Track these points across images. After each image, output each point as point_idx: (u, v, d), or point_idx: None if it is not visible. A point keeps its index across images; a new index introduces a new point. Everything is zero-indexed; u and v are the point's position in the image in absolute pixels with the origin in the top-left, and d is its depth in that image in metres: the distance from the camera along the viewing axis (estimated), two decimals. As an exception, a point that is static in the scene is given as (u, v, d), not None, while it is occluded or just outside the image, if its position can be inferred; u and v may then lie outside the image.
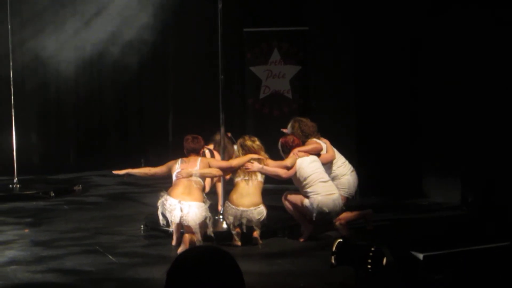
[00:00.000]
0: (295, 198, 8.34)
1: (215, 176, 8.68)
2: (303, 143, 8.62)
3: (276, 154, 8.66)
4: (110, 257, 7.67)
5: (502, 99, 9.77)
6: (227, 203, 8.19)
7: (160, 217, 7.98)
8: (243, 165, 8.25)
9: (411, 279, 5.49)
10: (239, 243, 8.09)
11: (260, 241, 8.13)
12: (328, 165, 8.65)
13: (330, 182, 8.36)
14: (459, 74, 10.17)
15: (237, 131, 10.35)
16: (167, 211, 7.87)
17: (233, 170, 8.35)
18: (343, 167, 8.81)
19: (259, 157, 8.35)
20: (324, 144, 8.76)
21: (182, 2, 12.96)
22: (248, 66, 12.09)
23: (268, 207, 8.28)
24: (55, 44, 13.62)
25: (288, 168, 8.32)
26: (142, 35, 13.31)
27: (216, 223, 8.46)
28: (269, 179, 8.59)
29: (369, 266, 5.50)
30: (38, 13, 13.57)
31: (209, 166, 8.25)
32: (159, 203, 7.96)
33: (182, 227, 7.93)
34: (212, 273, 2.29)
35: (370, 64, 11.27)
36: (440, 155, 10.65)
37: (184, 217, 7.78)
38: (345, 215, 8.51)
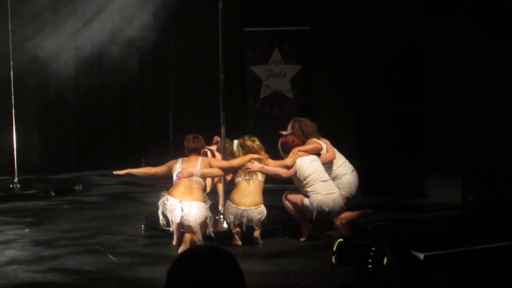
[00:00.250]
0: (295, 197, 8.34)
1: (216, 176, 8.67)
2: (303, 143, 8.62)
3: (277, 153, 8.66)
4: (111, 256, 7.67)
5: (502, 99, 9.77)
6: (228, 202, 8.20)
7: (160, 217, 7.98)
8: (243, 165, 8.25)
9: (411, 279, 5.49)
10: (239, 243, 8.09)
11: (261, 241, 8.13)
12: (328, 164, 8.65)
13: (330, 181, 8.36)
14: (460, 73, 10.17)
15: (238, 131, 10.36)
16: (168, 211, 7.87)
17: (234, 170, 8.35)
18: (344, 167, 8.81)
19: (260, 156, 8.36)
20: (324, 144, 8.76)
21: (182, 2, 12.96)
22: (248, 66, 12.08)
23: (268, 206, 8.29)
24: (56, 43, 13.62)
25: (288, 167, 8.32)
26: (142, 34, 13.30)
27: (216, 223, 8.46)
28: (269, 179, 8.59)
29: (369, 266, 5.51)
30: (38, 12, 13.57)
31: (210, 166, 8.25)
32: (160, 203, 7.96)
33: (183, 227, 7.93)
34: (212, 272, 2.29)
35: (370, 63, 11.26)
36: (441, 155, 10.65)
37: (185, 217, 7.78)
38: (346, 215, 8.52)
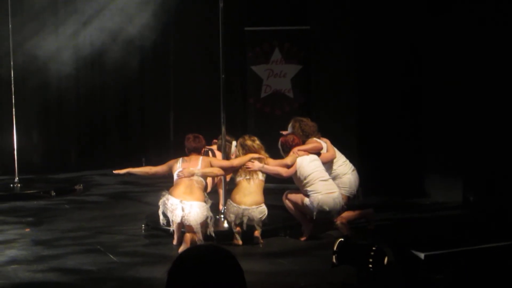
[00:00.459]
0: (295, 197, 8.35)
1: (217, 176, 8.66)
2: (303, 143, 8.62)
3: (277, 153, 8.66)
4: (111, 256, 7.67)
5: (503, 99, 9.77)
6: (229, 201, 8.20)
7: (161, 217, 7.98)
8: (244, 164, 8.26)
9: (412, 278, 5.49)
10: (240, 242, 8.09)
11: (261, 240, 8.12)
12: (329, 164, 8.65)
13: (331, 180, 8.36)
14: (460, 73, 10.17)
15: (238, 130, 10.36)
16: (168, 211, 7.87)
17: (235, 170, 8.36)
18: (344, 166, 8.81)
19: (260, 156, 8.36)
20: (324, 143, 8.76)
21: (183, 1, 12.97)
22: (249, 65, 12.08)
23: (269, 206, 8.29)
24: (56, 43, 13.62)
25: (288, 166, 8.33)
26: (143, 34, 13.31)
27: (217, 222, 8.45)
28: (270, 178, 8.59)
29: (370, 266, 5.50)
30: (38, 12, 13.57)
31: (211, 165, 8.25)
32: (161, 203, 7.96)
33: (183, 227, 7.93)
34: (213, 272, 2.28)
35: (371, 63, 11.27)
36: (441, 154, 10.65)
37: (185, 217, 7.78)
38: (346, 214, 8.52)
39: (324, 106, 11.77)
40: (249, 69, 12.07)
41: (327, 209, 8.13)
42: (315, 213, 8.15)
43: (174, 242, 8.06)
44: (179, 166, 8.17)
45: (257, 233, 8.13)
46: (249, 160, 8.28)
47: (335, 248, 5.87)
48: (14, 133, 12.01)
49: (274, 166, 8.35)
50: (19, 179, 11.90)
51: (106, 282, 6.85)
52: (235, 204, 8.11)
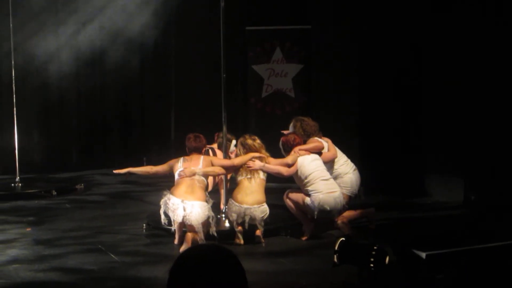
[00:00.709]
0: (296, 196, 8.34)
1: (218, 175, 8.66)
2: (305, 142, 8.62)
3: (278, 152, 8.65)
4: (112, 256, 7.67)
5: (505, 98, 9.76)
6: (231, 201, 8.19)
7: (162, 216, 7.98)
8: (245, 163, 8.25)
9: (413, 278, 5.49)
10: (241, 242, 8.09)
11: (263, 240, 8.12)
12: (330, 163, 8.65)
13: (332, 180, 8.36)
14: (461, 73, 10.16)
15: (239, 130, 10.36)
16: (170, 210, 7.87)
17: (235, 169, 8.35)
18: (346, 166, 8.80)
19: (261, 155, 8.36)
20: (325, 142, 8.75)
21: (183, 1, 12.96)
22: (250, 65, 12.08)
23: (270, 205, 8.28)
24: (56, 43, 13.62)
25: (289, 165, 8.32)
26: (144, 33, 13.31)
27: (218, 221, 8.45)
28: (271, 178, 8.59)
29: (371, 265, 5.50)
30: (39, 12, 13.57)
31: (212, 165, 8.24)
32: (162, 202, 7.96)
33: (185, 226, 7.92)
34: (214, 271, 2.28)
35: (372, 62, 11.27)
36: (442, 154, 10.64)
37: (187, 217, 7.78)
38: (348, 214, 8.51)
39: (325, 106, 11.76)
40: (250, 68, 12.08)
41: (328, 208, 8.12)
42: (316, 213, 8.15)
43: (175, 241, 8.06)
44: (180, 166, 8.16)
45: (258, 232, 8.13)
46: (250, 159, 8.27)
47: (336, 248, 5.87)
48: (15, 133, 12.01)
49: (275, 165, 8.35)
50: (20, 178, 11.91)
51: (107, 282, 6.85)
52: (237, 203, 8.11)
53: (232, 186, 8.61)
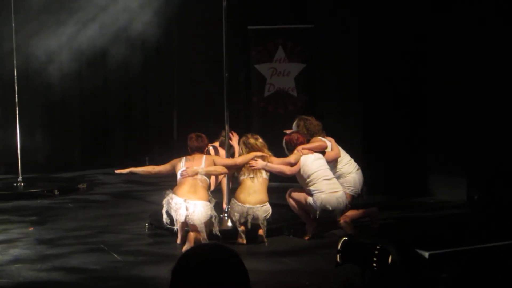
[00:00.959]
0: (299, 195, 8.33)
1: (221, 174, 8.65)
2: (308, 142, 8.61)
3: (281, 151, 8.65)
4: (115, 255, 7.67)
5: (507, 97, 9.75)
6: (233, 201, 8.18)
7: (164, 216, 7.97)
8: (247, 162, 8.24)
9: (416, 277, 5.48)
10: (244, 241, 8.08)
11: (265, 239, 8.12)
12: (333, 163, 8.64)
13: (334, 179, 8.34)
14: (464, 72, 10.14)
15: (242, 129, 10.34)
16: (172, 210, 7.86)
17: (238, 168, 8.34)
18: (349, 165, 8.79)
19: (263, 154, 8.34)
20: (329, 142, 8.74)
21: (186, 0, 12.95)
22: (252, 64, 12.07)
23: (273, 205, 8.27)
24: (59, 42, 13.61)
25: (292, 164, 8.31)
26: (146, 33, 13.29)
27: (221, 221, 8.44)
28: (273, 177, 8.58)
29: (374, 265, 5.49)
30: (41, 11, 13.56)
31: (214, 164, 8.23)
32: (164, 202, 7.95)
33: (187, 226, 7.92)
34: (217, 271, 2.28)
35: (375, 62, 11.25)
36: (446, 153, 10.62)
37: (189, 216, 7.77)
38: (350, 213, 8.51)
39: (327, 105, 11.75)
40: (252, 67, 12.07)
41: (330, 208, 8.11)
42: (318, 212, 8.14)
43: (178, 241, 8.06)
44: (182, 165, 8.15)
45: (261, 232, 8.12)
46: (253, 159, 8.26)
47: (339, 247, 5.87)
48: (18, 132, 12.02)
49: (277, 164, 8.33)
50: (22, 178, 11.92)
51: (110, 281, 6.85)
52: (239, 203, 8.10)
53: (235, 185, 8.60)
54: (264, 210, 8.10)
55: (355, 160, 8.95)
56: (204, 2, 12.70)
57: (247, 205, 8.06)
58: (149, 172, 8.65)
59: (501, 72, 9.79)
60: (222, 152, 9.18)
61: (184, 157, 8.29)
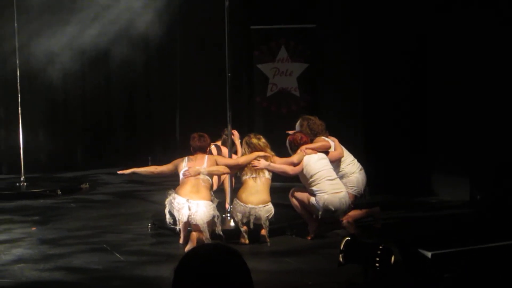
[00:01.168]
0: (301, 195, 8.33)
1: (223, 174, 8.65)
2: (311, 141, 8.60)
3: (284, 152, 8.64)
4: (118, 255, 7.67)
5: (509, 96, 9.74)
6: (236, 201, 8.18)
7: (167, 216, 7.97)
8: (250, 162, 8.23)
9: (419, 277, 5.47)
10: (246, 241, 8.08)
11: (268, 239, 8.11)
12: (336, 163, 8.63)
13: (337, 180, 8.33)
14: (466, 72, 10.14)
15: (245, 129, 10.35)
16: (175, 210, 7.86)
17: (240, 168, 8.34)
18: (352, 165, 8.78)
19: (266, 154, 8.34)
20: (332, 142, 8.73)
21: (188, 0, 12.96)
22: (255, 64, 12.08)
23: (275, 205, 8.27)
24: (62, 42, 13.62)
25: (294, 164, 8.30)
26: (148, 33, 13.30)
27: (223, 221, 8.44)
28: (276, 177, 8.57)
29: (377, 265, 5.48)
30: (44, 10, 13.57)
31: (216, 164, 8.23)
32: (167, 202, 7.95)
33: (190, 226, 7.92)
34: (219, 271, 2.27)
35: (377, 61, 11.25)
36: (449, 153, 10.62)
37: (192, 216, 7.77)
38: (353, 213, 8.50)
39: (330, 105, 11.75)
40: (255, 67, 12.07)
41: (333, 209, 8.11)
42: (320, 213, 8.13)
43: (181, 241, 8.05)
44: (185, 165, 8.15)
45: (263, 232, 8.11)
46: (255, 159, 8.25)
47: (341, 247, 5.86)
48: (20, 132, 12.04)
49: (280, 164, 8.33)
50: (25, 178, 11.93)
51: (112, 281, 6.85)
52: (241, 203, 8.09)
53: (237, 185, 8.60)
54: (267, 210, 8.10)
55: (358, 160, 8.95)
56: (206, 2, 12.72)
57: (250, 205, 8.05)
58: (151, 172, 8.65)
59: (502, 72, 9.79)
60: (224, 150, 9.17)
61: (186, 157, 8.29)
